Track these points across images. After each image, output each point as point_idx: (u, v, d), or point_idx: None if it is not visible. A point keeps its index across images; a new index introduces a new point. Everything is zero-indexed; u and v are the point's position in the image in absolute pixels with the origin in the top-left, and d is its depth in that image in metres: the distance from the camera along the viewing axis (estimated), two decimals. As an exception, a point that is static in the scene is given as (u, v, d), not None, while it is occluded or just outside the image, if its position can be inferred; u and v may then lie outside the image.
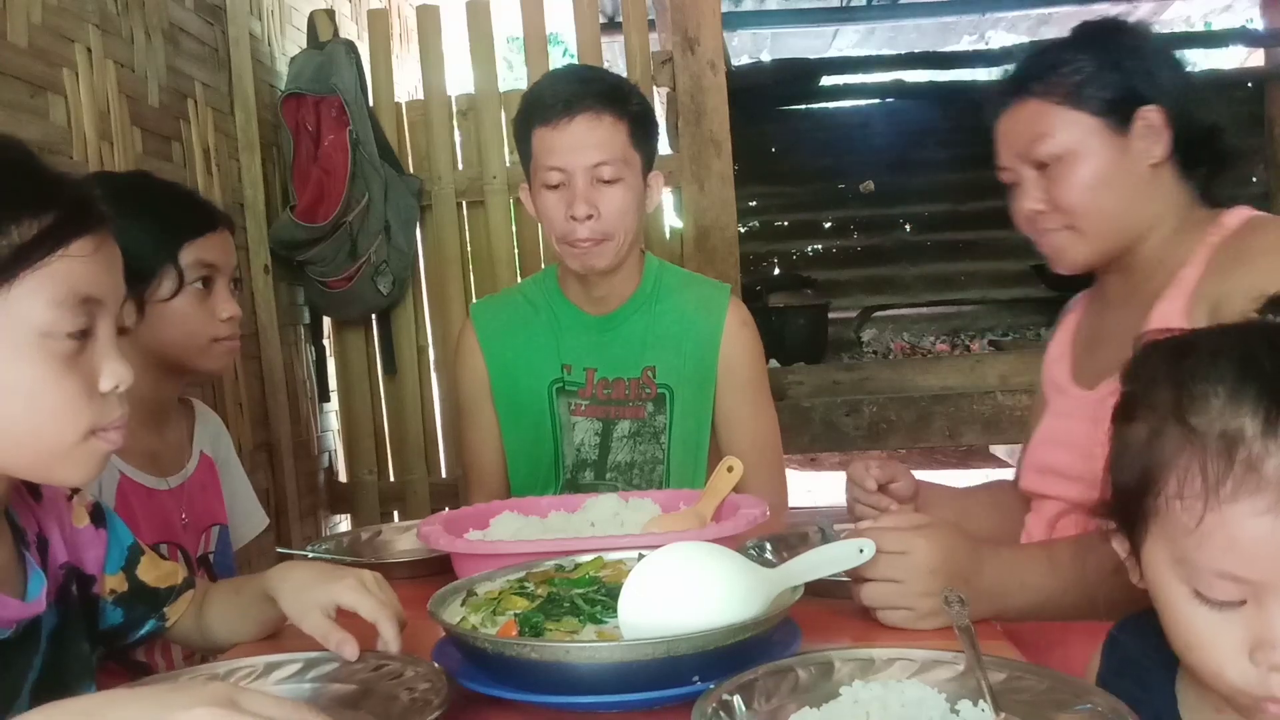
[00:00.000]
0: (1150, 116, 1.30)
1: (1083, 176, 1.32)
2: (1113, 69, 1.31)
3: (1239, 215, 1.31)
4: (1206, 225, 1.31)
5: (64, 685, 0.98)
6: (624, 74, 2.97)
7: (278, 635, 1.17)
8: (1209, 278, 1.25)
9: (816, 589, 1.08)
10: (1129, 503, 0.82)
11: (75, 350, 0.89)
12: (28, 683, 0.95)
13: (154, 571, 1.15)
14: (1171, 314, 1.25)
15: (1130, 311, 1.34)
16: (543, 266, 2.92)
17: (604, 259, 1.68)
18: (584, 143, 1.64)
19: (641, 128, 1.70)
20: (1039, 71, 1.35)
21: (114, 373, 0.92)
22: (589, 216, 1.64)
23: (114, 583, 1.11)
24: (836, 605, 1.14)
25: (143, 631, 1.15)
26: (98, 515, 1.10)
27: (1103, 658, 0.96)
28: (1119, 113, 1.31)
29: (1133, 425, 0.83)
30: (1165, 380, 0.80)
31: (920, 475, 1.49)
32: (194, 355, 1.54)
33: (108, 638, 1.12)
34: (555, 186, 1.67)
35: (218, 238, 1.57)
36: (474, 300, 3.01)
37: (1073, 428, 1.37)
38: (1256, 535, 0.73)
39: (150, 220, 1.48)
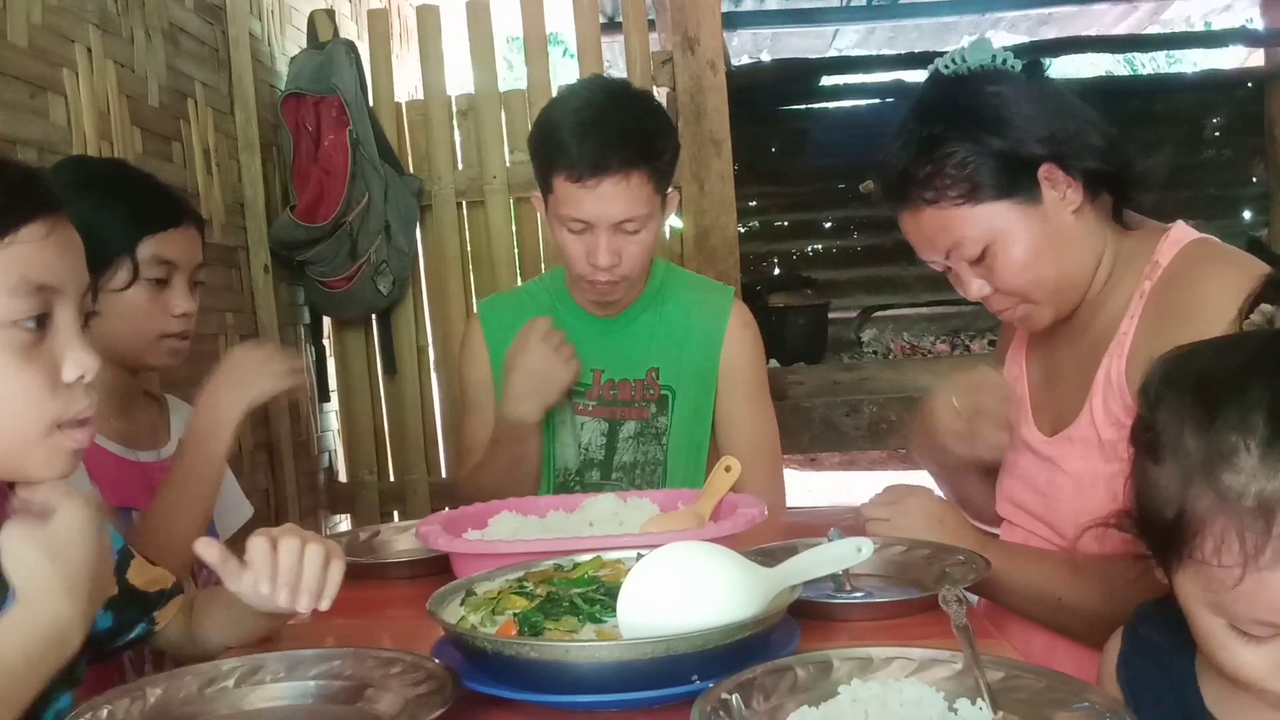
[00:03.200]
0: (1050, 173, 1.23)
1: (1017, 257, 1.25)
2: (985, 154, 1.23)
3: (1172, 245, 1.25)
4: (1141, 260, 1.27)
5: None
6: (624, 74, 2.97)
7: (278, 636, 1.17)
8: (1142, 334, 1.22)
9: (812, 610, 1.09)
10: (1158, 534, 0.82)
11: (33, 340, 0.87)
12: None
13: (143, 575, 1.13)
14: (1114, 373, 1.24)
15: (1079, 355, 1.33)
16: (543, 266, 2.93)
17: (619, 293, 1.70)
18: (609, 202, 1.60)
19: (666, 172, 1.67)
20: (919, 179, 1.26)
21: (78, 362, 0.90)
22: (613, 265, 1.64)
23: None
24: (835, 605, 1.14)
25: (131, 636, 1.12)
26: None
27: (1124, 640, 0.97)
28: (1021, 184, 1.24)
29: (1160, 466, 0.81)
30: (1193, 425, 0.78)
31: (919, 476, 1.50)
32: (139, 350, 1.51)
33: (95, 642, 1.10)
34: (577, 231, 1.65)
35: (181, 233, 1.53)
36: (474, 300, 3.03)
37: (1031, 468, 1.38)
38: None
39: (113, 208, 1.46)
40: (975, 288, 1.30)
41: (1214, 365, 0.81)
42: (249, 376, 1.53)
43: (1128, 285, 1.27)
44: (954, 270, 1.32)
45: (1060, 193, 1.24)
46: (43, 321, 0.88)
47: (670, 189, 1.73)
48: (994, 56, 1.28)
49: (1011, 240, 1.24)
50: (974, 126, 1.24)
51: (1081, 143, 1.24)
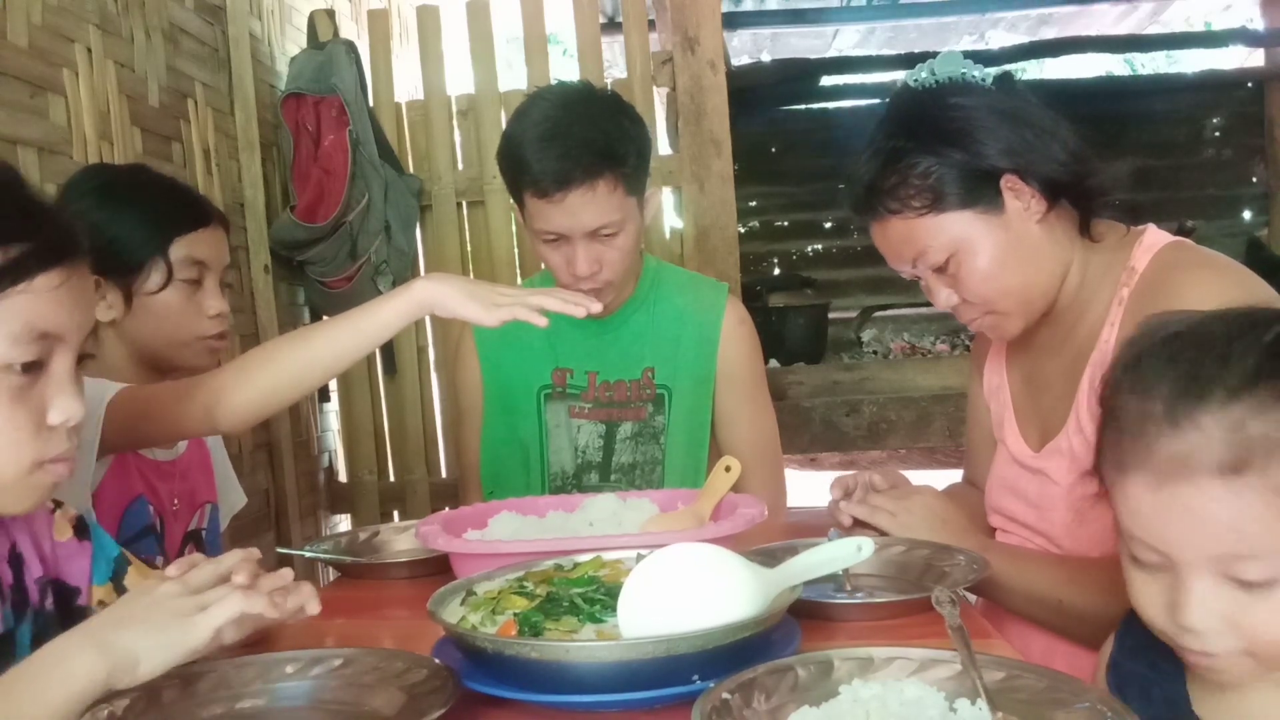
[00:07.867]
0: (1013, 184, 1.25)
1: (981, 267, 1.26)
2: (947, 165, 1.24)
3: (1146, 251, 1.26)
4: (1117, 267, 1.27)
5: None
6: (624, 74, 2.97)
7: (277, 636, 1.16)
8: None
9: (813, 611, 1.09)
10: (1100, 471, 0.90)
11: (26, 384, 0.87)
12: None
13: (140, 582, 1.13)
14: (1098, 381, 1.24)
15: (1061, 364, 1.34)
16: (542, 265, 2.92)
17: (605, 299, 1.68)
18: (579, 213, 1.58)
19: (636, 173, 1.64)
20: (884, 190, 1.28)
21: (64, 408, 0.90)
22: (594, 273, 1.63)
23: (102, 594, 1.09)
24: (835, 606, 1.14)
25: None
26: (81, 528, 1.09)
27: (1116, 642, 0.98)
28: (984, 194, 1.25)
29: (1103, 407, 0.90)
30: (1123, 363, 0.88)
31: (919, 475, 1.50)
32: (177, 351, 1.53)
33: None
34: (553, 243, 1.65)
35: (210, 234, 1.56)
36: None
37: (1020, 480, 1.40)
38: (1150, 509, 0.80)
39: (142, 212, 1.48)
40: (943, 297, 1.31)
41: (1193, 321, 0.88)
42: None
43: (1106, 293, 1.28)
44: (923, 280, 1.33)
45: (1024, 203, 1.25)
46: (38, 366, 0.88)
47: (651, 189, 1.71)
48: (963, 69, 1.30)
49: (975, 249, 1.26)
50: (936, 139, 1.25)
51: (1043, 154, 1.25)
